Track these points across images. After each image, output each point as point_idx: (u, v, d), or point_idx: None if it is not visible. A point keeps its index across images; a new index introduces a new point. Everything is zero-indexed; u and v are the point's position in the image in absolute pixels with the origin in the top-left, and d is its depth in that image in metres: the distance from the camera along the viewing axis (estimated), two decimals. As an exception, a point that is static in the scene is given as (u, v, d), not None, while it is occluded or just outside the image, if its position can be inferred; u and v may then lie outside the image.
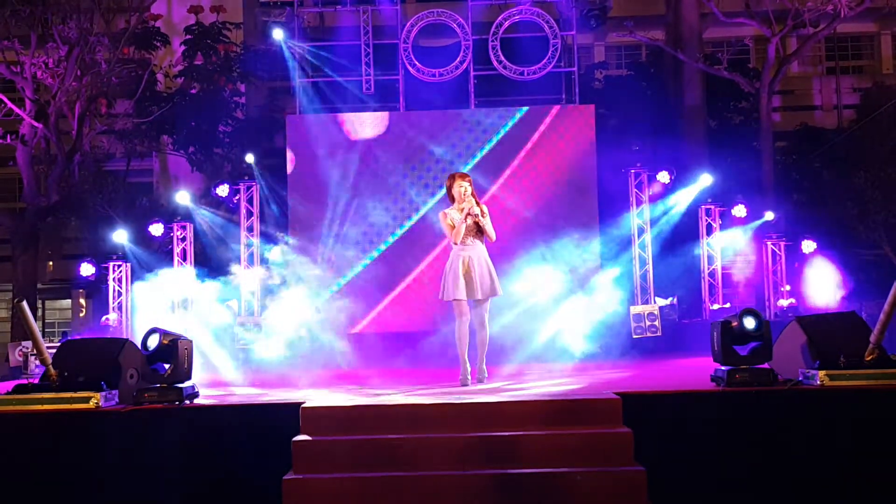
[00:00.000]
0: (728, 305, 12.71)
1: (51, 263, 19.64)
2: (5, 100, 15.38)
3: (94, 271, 12.73)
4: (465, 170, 12.38)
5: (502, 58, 13.35)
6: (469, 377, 7.26)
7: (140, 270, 12.72)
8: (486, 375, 7.46)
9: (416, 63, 13.42)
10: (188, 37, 17.39)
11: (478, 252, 7.29)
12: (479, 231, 7.30)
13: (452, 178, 7.40)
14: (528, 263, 12.23)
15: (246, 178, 13.28)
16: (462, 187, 7.27)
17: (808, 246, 12.58)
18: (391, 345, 12.05)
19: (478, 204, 7.32)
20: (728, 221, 12.93)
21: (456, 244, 7.28)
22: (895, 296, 5.74)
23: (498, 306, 9.25)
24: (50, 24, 15.29)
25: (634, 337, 11.96)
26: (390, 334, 12.65)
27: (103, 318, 12.69)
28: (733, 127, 18.18)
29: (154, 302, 11.89)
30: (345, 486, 5.38)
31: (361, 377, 9.06)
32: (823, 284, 12.13)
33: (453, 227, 7.28)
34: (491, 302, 7.50)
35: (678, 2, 16.60)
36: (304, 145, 13.27)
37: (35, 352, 6.41)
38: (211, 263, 13.27)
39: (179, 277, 12.46)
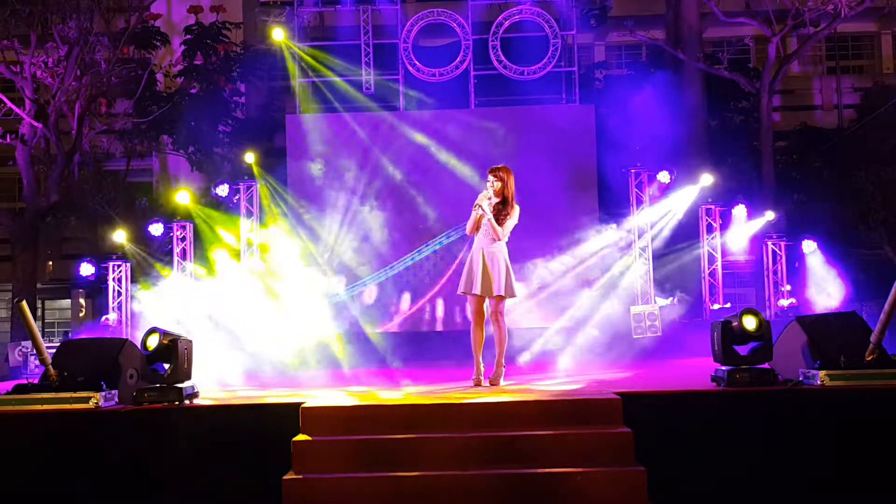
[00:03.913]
0: (728, 305, 12.70)
1: (51, 263, 19.63)
2: (5, 100, 15.37)
3: (94, 271, 12.73)
4: (468, 170, 12.44)
5: (502, 57, 13.36)
6: (482, 377, 7.16)
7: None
8: (502, 382, 7.15)
9: (416, 63, 13.43)
10: (188, 37, 17.39)
11: (497, 249, 7.07)
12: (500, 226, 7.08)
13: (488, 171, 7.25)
14: (528, 264, 12.25)
15: (246, 177, 13.28)
16: (489, 180, 7.13)
17: (808, 246, 12.58)
18: (397, 344, 12.07)
19: (508, 201, 7.10)
20: (727, 221, 12.95)
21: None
22: (895, 296, 5.73)
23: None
24: (50, 24, 15.28)
25: (634, 337, 11.95)
26: (396, 334, 12.66)
27: (103, 318, 12.69)
28: (733, 126, 18.17)
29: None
30: (345, 486, 5.37)
31: (368, 377, 9.06)
32: (825, 284, 12.13)
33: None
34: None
35: (678, 1, 16.59)
36: (304, 145, 13.27)
37: (35, 352, 6.40)
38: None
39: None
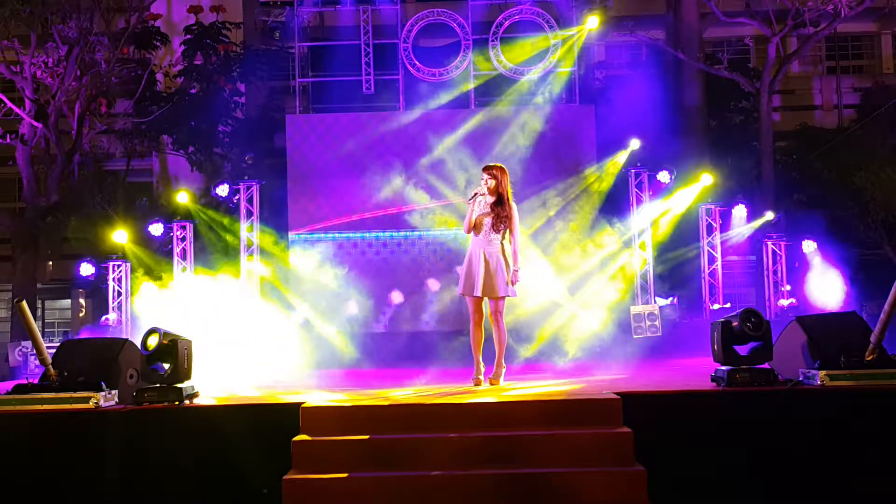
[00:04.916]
0: (728, 305, 12.70)
1: (51, 263, 19.63)
2: (5, 100, 15.38)
3: (93, 271, 12.74)
4: (468, 170, 12.43)
5: (503, 57, 13.36)
6: (482, 377, 7.15)
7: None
8: (501, 382, 7.14)
9: (417, 63, 13.43)
10: (188, 36, 17.39)
11: (495, 248, 7.03)
12: (500, 226, 7.04)
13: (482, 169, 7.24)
14: (528, 264, 12.24)
15: (246, 177, 13.28)
16: (483, 178, 7.10)
17: (808, 246, 12.58)
18: (399, 344, 12.08)
19: (503, 199, 7.07)
20: (727, 222, 12.95)
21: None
22: (895, 296, 5.74)
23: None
24: (50, 24, 15.28)
25: (634, 337, 11.96)
26: (397, 334, 12.68)
27: (103, 317, 12.69)
28: (734, 126, 18.16)
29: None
30: (345, 486, 5.37)
31: (368, 377, 9.05)
32: (825, 284, 12.13)
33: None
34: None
35: (678, 1, 16.59)
36: (304, 145, 13.28)
37: (35, 352, 6.40)
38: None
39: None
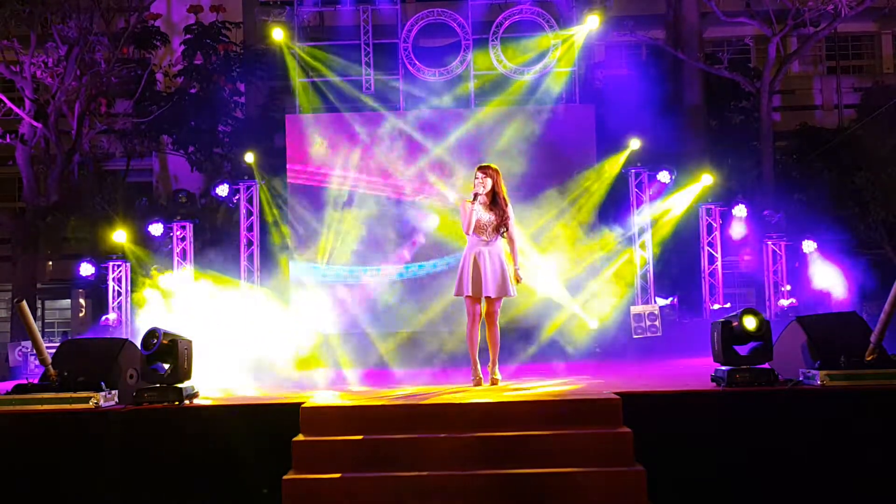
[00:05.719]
0: (728, 305, 12.70)
1: (51, 263, 19.62)
2: (5, 100, 15.40)
3: (93, 271, 12.74)
4: (468, 170, 12.41)
5: (502, 57, 13.36)
6: (481, 376, 7.14)
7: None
8: (500, 377, 7.18)
9: (417, 62, 13.42)
10: (188, 36, 17.40)
11: (493, 248, 7.04)
12: (499, 227, 7.06)
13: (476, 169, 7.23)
14: (528, 263, 12.24)
15: (246, 177, 13.28)
16: (477, 178, 7.08)
17: (808, 246, 12.59)
18: (399, 344, 12.06)
19: (498, 199, 7.06)
20: (728, 221, 12.94)
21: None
22: (895, 296, 5.74)
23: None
24: (49, 24, 15.29)
25: (634, 337, 11.96)
26: (395, 334, 12.66)
27: (103, 317, 12.69)
28: (734, 126, 18.17)
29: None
30: (345, 486, 5.37)
31: (368, 377, 9.06)
32: (824, 284, 12.15)
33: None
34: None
35: (678, 1, 16.59)
36: (304, 145, 13.27)
37: (35, 352, 6.40)
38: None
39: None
